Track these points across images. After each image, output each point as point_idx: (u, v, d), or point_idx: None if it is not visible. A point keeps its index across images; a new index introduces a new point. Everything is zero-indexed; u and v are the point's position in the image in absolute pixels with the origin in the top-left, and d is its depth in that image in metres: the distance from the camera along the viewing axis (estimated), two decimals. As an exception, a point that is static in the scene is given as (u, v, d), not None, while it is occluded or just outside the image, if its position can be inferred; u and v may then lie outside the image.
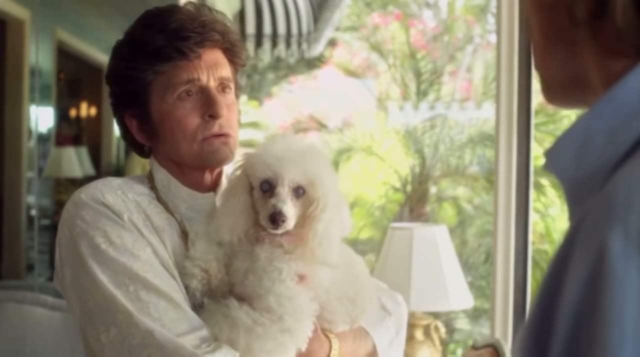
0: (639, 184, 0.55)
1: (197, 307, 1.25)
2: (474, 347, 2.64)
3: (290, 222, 1.22)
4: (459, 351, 4.58)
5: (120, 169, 4.87)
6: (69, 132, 4.87)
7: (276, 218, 1.19)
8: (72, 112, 4.98)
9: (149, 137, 1.38)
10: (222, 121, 1.33)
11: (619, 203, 0.54)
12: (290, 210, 1.21)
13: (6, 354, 2.64)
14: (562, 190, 0.66)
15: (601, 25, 0.62)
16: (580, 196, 0.62)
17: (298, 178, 1.22)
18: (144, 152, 1.43)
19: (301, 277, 1.23)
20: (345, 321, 1.31)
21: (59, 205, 4.85)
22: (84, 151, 4.77)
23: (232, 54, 1.40)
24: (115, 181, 1.34)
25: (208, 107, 1.32)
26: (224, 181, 1.41)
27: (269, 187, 1.22)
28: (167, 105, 1.33)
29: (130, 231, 1.26)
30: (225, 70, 1.37)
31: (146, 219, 1.30)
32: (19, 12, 4.16)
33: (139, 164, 4.47)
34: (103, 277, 1.21)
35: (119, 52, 1.38)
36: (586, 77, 0.67)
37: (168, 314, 1.19)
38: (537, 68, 0.73)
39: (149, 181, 1.38)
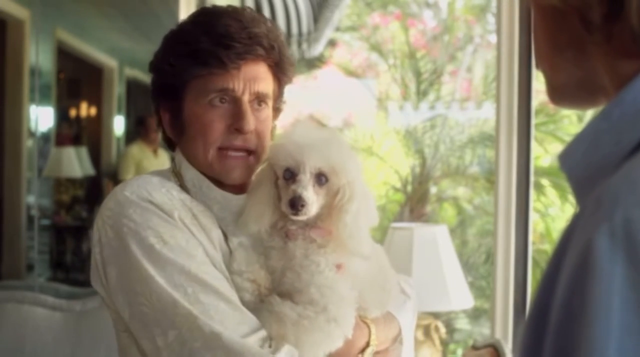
0: (628, 183, 0.55)
1: None
2: (474, 347, 2.64)
3: (311, 208, 1.20)
4: (459, 351, 4.57)
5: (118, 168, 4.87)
6: (69, 132, 4.87)
7: (295, 203, 1.18)
8: (72, 112, 4.97)
9: (177, 133, 1.36)
10: (248, 136, 1.30)
11: (606, 202, 0.54)
12: (310, 196, 1.19)
13: (6, 354, 2.64)
14: (570, 188, 0.66)
15: (615, 28, 0.62)
16: (586, 194, 0.63)
17: (319, 165, 1.20)
18: (172, 145, 1.40)
19: (338, 267, 1.23)
20: (377, 307, 1.33)
21: (59, 205, 4.84)
22: (84, 151, 4.76)
23: (277, 69, 1.37)
24: (154, 178, 1.30)
25: (236, 119, 1.29)
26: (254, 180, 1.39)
27: (291, 175, 1.21)
28: (198, 107, 1.31)
29: (182, 230, 1.22)
30: (264, 85, 1.33)
31: (193, 217, 1.26)
32: (19, 12, 4.16)
33: (133, 163, 4.49)
34: (159, 279, 1.17)
35: (166, 43, 1.35)
36: (595, 80, 0.67)
37: (228, 316, 1.16)
38: (544, 73, 0.73)
39: (177, 178, 1.34)
